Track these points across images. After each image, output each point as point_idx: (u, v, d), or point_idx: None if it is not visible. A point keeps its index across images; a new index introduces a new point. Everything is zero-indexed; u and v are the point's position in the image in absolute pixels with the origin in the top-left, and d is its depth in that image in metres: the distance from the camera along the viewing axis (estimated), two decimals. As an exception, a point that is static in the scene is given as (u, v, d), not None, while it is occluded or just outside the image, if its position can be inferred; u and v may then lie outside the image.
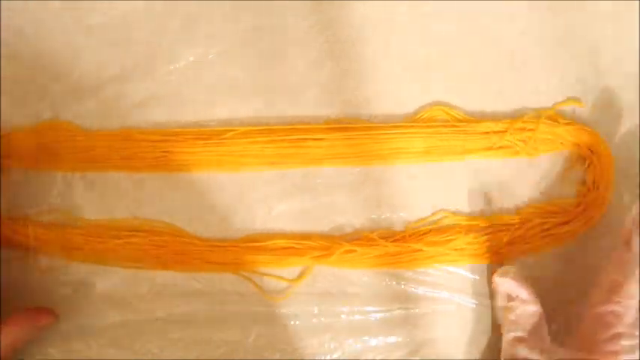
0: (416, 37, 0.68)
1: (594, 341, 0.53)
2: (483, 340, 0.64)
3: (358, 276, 0.65)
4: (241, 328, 0.65)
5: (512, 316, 0.58)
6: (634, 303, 0.52)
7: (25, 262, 0.66)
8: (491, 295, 0.63)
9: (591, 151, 0.65)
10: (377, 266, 0.65)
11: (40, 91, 0.68)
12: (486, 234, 0.65)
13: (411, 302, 0.65)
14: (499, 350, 0.59)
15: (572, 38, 0.68)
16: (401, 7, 0.68)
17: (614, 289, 0.53)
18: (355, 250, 0.64)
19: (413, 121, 0.67)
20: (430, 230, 0.66)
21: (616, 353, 0.51)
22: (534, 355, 0.55)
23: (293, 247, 0.65)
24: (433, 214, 0.66)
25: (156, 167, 0.67)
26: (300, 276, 0.66)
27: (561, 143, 0.66)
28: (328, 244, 0.65)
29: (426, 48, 0.68)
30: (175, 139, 0.66)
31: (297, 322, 0.65)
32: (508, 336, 0.57)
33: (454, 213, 0.66)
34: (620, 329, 0.52)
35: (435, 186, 0.67)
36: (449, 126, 0.66)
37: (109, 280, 0.66)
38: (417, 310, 0.65)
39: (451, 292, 0.65)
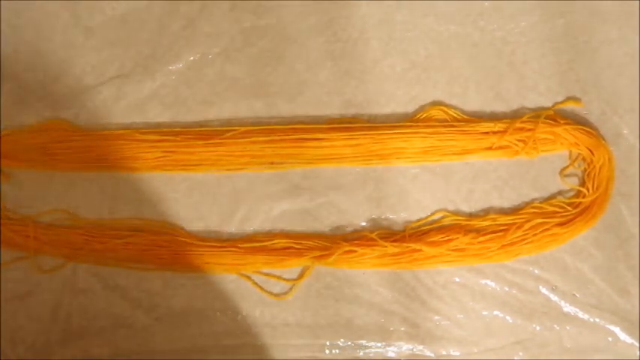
0: (416, 37, 0.68)
1: None
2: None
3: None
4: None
5: None
6: None
7: (25, 262, 0.66)
8: None
9: (591, 151, 0.65)
10: (377, 266, 0.65)
11: (40, 91, 0.68)
12: (486, 234, 0.65)
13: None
14: None
15: (572, 38, 0.68)
16: (401, 7, 0.69)
17: None
18: (355, 251, 0.64)
19: (413, 121, 0.67)
20: (430, 230, 0.66)
21: None
22: None
23: (293, 247, 0.65)
24: (433, 214, 0.66)
25: (156, 167, 0.67)
26: (301, 276, 0.66)
27: (561, 143, 0.66)
28: (328, 244, 0.65)
29: (426, 48, 0.68)
30: (175, 139, 0.66)
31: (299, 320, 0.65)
32: None
33: (454, 213, 0.66)
34: None
35: (435, 186, 0.67)
36: (448, 126, 0.66)
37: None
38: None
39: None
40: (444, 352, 0.65)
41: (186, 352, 0.65)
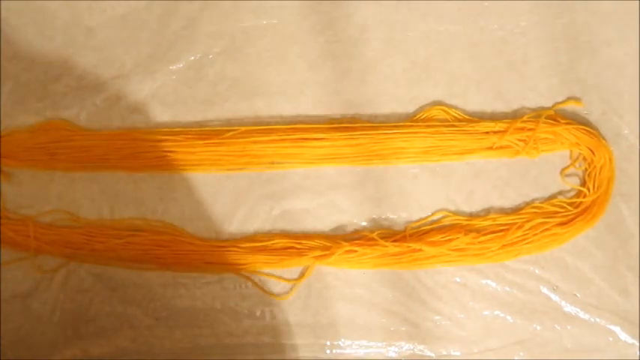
0: (416, 37, 0.68)
1: None
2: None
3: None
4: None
5: None
6: None
7: (25, 262, 0.66)
8: None
9: (591, 151, 0.65)
10: (377, 266, 0.65)
11: (40, 91, 0.68)
12: (487, 234, 0.65)
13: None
14: None
15: (572, 38, 0.68)
16: (401, 7, 0.69)
17: None
18: (355, 250, 0.64)
19: (413, 121, 0.67)
20: (431, 230, 0.66)
21: None
22: None
23: (293, 247, 0.65)
24: (433, 213, 0.66)
25: (156, 167, 0.67)
26: (301, 276, 0.66)
27: (561, 143, 0.66)
28: (328, 244, 0.65)
29: (426, 48, 0.68)
30: (175, 139, 0.66)
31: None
32: None
33: (454, 213, 0.66)
34: None
35: (435, 186, 0.67)
36: (449, 126, 0.66)
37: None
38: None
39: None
40: (444, 352, 0.65)
41: (186, 352, 0.65)
